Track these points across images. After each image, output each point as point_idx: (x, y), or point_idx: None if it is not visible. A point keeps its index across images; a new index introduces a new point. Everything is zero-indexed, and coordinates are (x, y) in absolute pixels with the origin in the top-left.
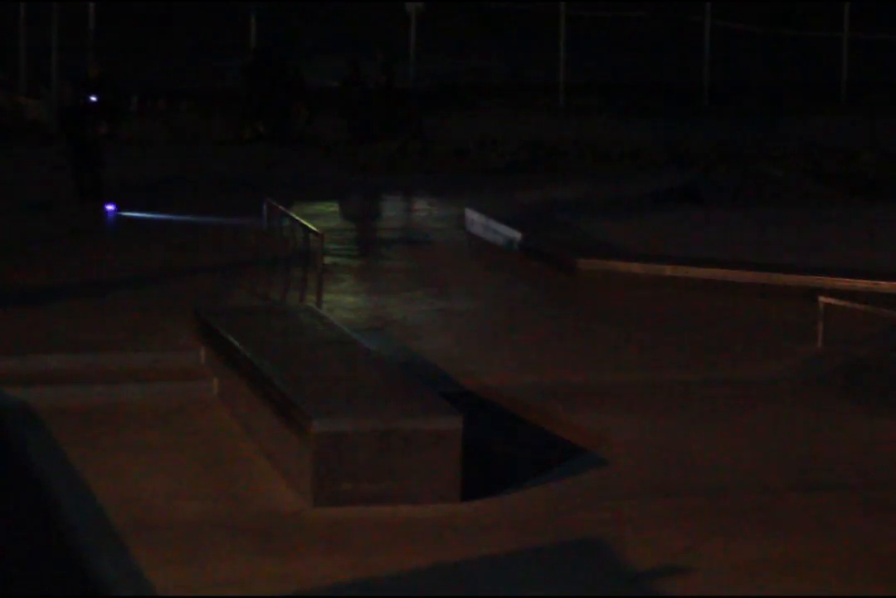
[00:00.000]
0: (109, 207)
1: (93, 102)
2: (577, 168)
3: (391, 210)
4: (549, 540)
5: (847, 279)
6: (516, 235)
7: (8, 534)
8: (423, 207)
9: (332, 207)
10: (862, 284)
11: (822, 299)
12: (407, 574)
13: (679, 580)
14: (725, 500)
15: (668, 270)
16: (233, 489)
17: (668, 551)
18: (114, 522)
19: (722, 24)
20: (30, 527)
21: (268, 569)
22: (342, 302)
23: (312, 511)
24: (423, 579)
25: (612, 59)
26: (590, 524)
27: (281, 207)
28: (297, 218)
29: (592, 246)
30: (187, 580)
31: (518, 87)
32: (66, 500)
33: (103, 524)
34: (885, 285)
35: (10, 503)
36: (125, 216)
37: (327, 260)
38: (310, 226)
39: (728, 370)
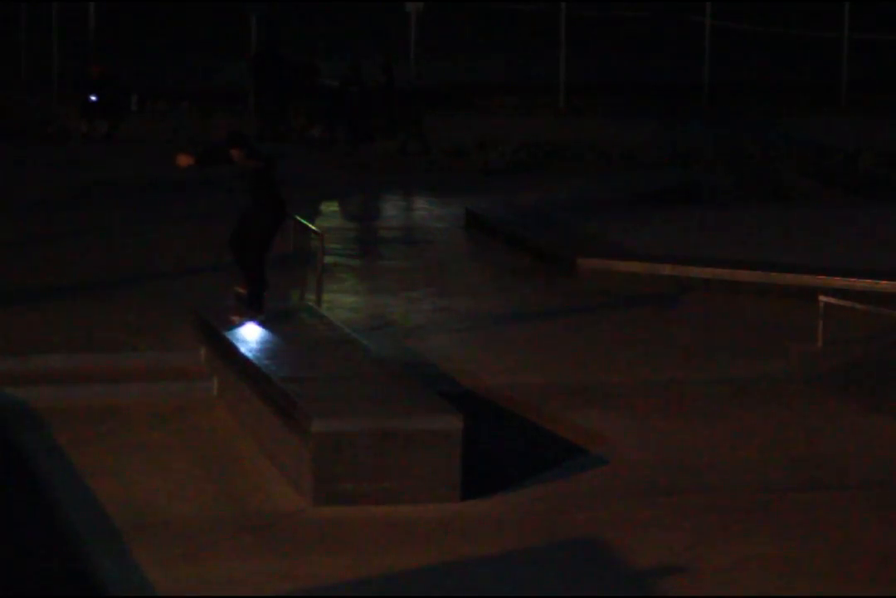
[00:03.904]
0: None
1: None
2: (577, 168)
3: (391, 210)
4: (549, 540)
5: (847, 279)
6: (516, 234)
7: (8, 534)
8: (423, 207)
9: (333, 207)
10: (862, 284)
11: (822, 298)
12: (407, 574)
13: (679, 580)
14: (726, 499)
15: (668, 269)
16: (233, 489)
17: (668, 551)
18: (114, 522)
19: (722, 24)
20: (30, 527)
21: (268, 568)
22: (342, 302)
23: (312, 511)
24: (423, 579)
25: (612, 59)
26: (590, 524)
27: None
28: (297, 217)
29: (592, 246)
30: (187, 579)
31: (518, 88)
32: (66, 500)
33: (103, 524)
34: (885, 285)
35: (10, 503)
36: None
37: (327, 259)
38: (310, 225)
39: (728, 370)
